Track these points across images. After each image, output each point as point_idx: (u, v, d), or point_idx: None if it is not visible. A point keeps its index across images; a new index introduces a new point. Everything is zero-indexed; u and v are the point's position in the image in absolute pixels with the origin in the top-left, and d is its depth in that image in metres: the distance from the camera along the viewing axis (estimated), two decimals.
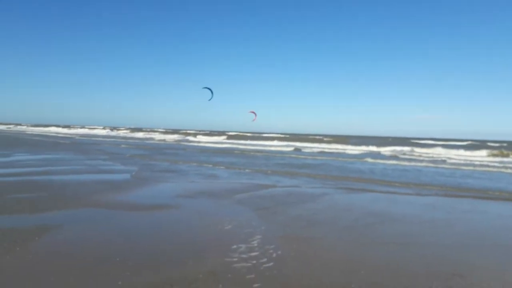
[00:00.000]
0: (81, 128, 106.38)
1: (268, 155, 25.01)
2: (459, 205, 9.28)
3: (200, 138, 60.78)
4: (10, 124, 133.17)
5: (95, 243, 5.20)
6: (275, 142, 47.77)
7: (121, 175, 12.28)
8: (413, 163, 21.42)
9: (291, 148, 34.77)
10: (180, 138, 57.93)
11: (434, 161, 23.18)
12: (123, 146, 31.52)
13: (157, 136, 64.96)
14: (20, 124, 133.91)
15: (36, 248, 4.83)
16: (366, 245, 5.57)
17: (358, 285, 4.08)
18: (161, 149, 29.05)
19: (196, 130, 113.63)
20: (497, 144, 56.00)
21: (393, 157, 26.41)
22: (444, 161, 23.36)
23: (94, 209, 7.24)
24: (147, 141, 44.40)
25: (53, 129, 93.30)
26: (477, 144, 55.32)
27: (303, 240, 5.67)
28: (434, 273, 4.52)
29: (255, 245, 5.32)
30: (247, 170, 15.09)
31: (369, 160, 23.04)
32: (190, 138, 60.57)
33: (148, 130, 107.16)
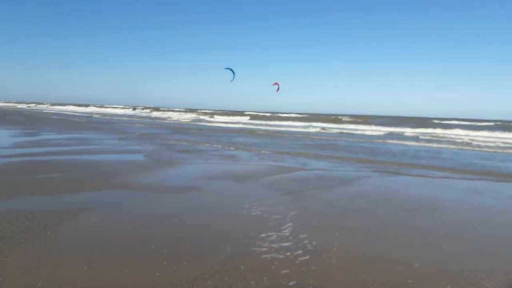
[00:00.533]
0: (101, 107, 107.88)
1: (290, 136, 24.61)
2: (506, 190, 8.76)
3: (219, 118, 60.69)
4: (31, 103, 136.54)
5: (127, 228, 5.07)
6: (296, 123, 47.16)
7: (141, 156, 12.20)
8: (444, 145, 20.61)
9: (315, 129, 34.16)
10: (197, 118, 58.05)
11: (465, 143, 22.25)
12: (141, 125, 31.72)
13: (176, 116, 65.29)
14: (41, 103, 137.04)
15: (68, 233, 4.73)
16: (412, 237, 5.23)
17: (412, 283, 3.77)
18: (180, 129, 29.07)
19: (214, 110, 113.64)
20: None
21: (417, 138, 25.55)
22: (470, 143, 22.39)
23: (121, 191, 7.15)
24: (165, 121, 44.63)
25: (71, 107, 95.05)
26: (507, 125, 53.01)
27: (340, 230, 5.34)
28: (494, 271, 4.14)
29: (287, 234, 5.02)
30: (270, 152, 14.80)
31: (394, 141, 22.35)
32: (207, 118, 60.58)
33: (166, 109, 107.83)
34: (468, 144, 21.93)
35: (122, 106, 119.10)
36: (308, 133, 28.76)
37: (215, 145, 16.52)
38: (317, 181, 8.98)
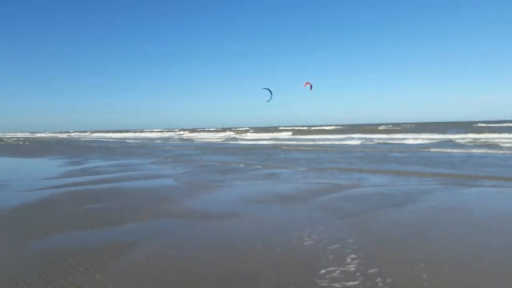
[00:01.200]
0: (140, 132, 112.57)
1: (333, 150, 23.76)
2: None
3: (252, 135, 60.70)
4: (68, 132, 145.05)
5: (178, 265, 4.64)
6: (332, 136, 46.03)
7: (175, 180, 11.91)
8: (503, 151, 18.95)
9: (356, 141, 32.97)
10: (231, 136, 58.34)
11: None
12: (175, 148, 32.07)
13: (209, 135, 66.09)
14: (84, 131, 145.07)
15: (117, 273, 4.37)
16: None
17: None
18: (214, 149, 29.04)
19: (247, 127, 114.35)
20: None
21: (470, 144, 23.77)
22: None
23: (166, 221, 6.81)
24: (199, 141, 45.07)
25: (109, 134, 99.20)
26: None
27: (414, 261, 4.54)
28: None
29: (352, 269, 4.32)
30: (315, 168, 14.13)
31: (447, 150, 20.89)
32: (241, 135, 60.73)
33: (200, 130, 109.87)
34: None
35: (159, 130, 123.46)
36: (350, 146, 27.69)
37: (253, 164, 16.08)
38: (377, 200, 8.23)
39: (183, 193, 9.50)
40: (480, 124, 65.56)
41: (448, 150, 20.85)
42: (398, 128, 66.42)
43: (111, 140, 58.31)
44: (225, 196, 9.33)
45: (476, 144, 24.19)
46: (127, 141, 52.02)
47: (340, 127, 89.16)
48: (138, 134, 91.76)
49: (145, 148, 31.51)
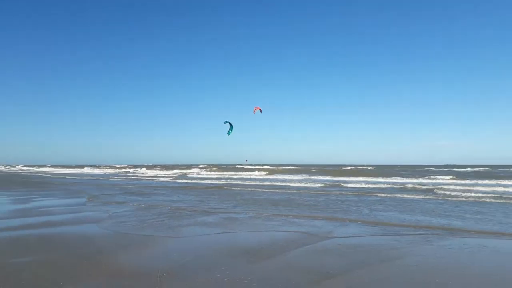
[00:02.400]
0: (93, 167, 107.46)
1: (297, 192, 22.99)
2: None
3: (207, 173, 59.00)
4: (34, 165, 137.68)
5: None
6: (294, 176, 45.70)
7: (109, 227, 10.38)
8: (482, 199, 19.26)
9: (316, 184, 32.63)
10: (181, 174, 56.19)
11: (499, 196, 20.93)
12: (116, 186, 29.80)
13: (159, 172, 63.40)
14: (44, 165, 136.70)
15: None
16: None
17: None
18: (163, 188, 27.22)
19: (202, 164, 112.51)
20: None
21: (436, 191, 24.20)
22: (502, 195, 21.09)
23: (103, 283, 5.38)
24: (144, 179, 42.66)
25: (58, 169, 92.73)
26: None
27: None
28: None
29: None
30: (282, 213, 13.13)
31: (419, 196, 20.94)
32: (193, 172, 58.79)
33: (153, 166, 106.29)
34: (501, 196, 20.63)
35: (117, 165, 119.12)
36: (313, 188, 27.16)
37: (206, 207, 14.74)
38: (356, 254, 7.33)
39: (112, 248, 7.90)
40: (433, 168, 69.11)
41: (420, 196, 20.87)
42: (357, 169, 68.18)
43: (50, 176, 53.95)
44: (169, 251, 7.81)
45: (442, 191, 24.62)
46: (67, 177, 48.27)
47: (298, 167, 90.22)
48: (85, 170, 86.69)
49: (82, 185, 28.94)
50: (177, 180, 39.31)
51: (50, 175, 54.97)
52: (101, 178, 45.94)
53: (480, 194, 20.07)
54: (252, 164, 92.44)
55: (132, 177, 47.34)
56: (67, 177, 48.72)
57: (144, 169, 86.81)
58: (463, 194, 20.32)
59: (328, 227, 10.40)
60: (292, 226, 10.50)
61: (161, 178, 44.53)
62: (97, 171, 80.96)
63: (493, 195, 19.48)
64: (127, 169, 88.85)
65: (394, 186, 28.07)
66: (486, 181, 32.16)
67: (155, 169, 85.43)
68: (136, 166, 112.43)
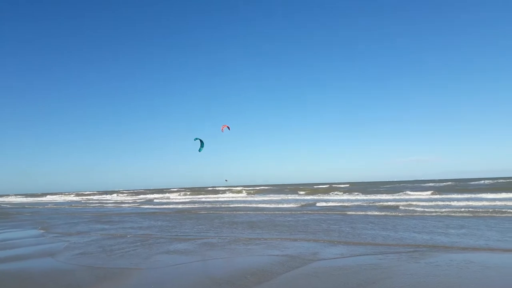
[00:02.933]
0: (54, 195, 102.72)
1: (273, 214, 22.64)
2: None
3: (176, 196, 57.67)
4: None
5: None
6: (269, 197, 45.41)
7: (67, 260, 9.69)
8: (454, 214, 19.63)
9: (290, 204, 32.47)
10: (145, 199, 54.58)
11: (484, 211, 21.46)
12: (74, 214, 28.39)
13: (124, 198, 61.32)
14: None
15: None
16: None
17: None
18: (125, 214, 26.15)
19: (173, 188, 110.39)
20: None
21: (409, 206, 24.60)
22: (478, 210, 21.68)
23: None
24: (107, 206, 41.02)
25: (19, 199, 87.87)
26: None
27: None
28: None
29: None
30: (259, 237, 12.76)
31: (398, 214, 21.12)
32: (160, 197, 57.28)
33: (116, 191, 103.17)
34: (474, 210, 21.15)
35: (84, 192, 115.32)
36: (289, 209, 26.92)
37: (184, 232, 14.15)
38: (346, 277, 7.10)
39: (71, 285, 7.26)
40: (408, 184, 70.91)
41: (400, 213, 21.07)
42: (332, 187, 68.88)
43: (8, 206, 50.92)
44: (142, 285, 7.27)
45: (418, 205, 25.03)
46: (26, 206, 45.70)
47: (272, 187, 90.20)
48: (47, 198, 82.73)
49: (41, 215, 27.36)
50: (147, 206, 38.01)
51: (8, 205, 51.88)
52: (63, 206, 43.80)
53: (455, 209, 20.50)
54: (232, 185, 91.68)
55: (98, 204, 45.40)
56: (26, 206, 46.15)
57: (114, 195, 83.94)
58: (442, 210, 20.67)
59: (313, 249, 10.15)
60: (275, 250, 10.17)
61: (130, 204, 42.96)
62: (59, 198, 77.45)
63: (470, 209, 19.92)
64: (93, 196, 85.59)
65: (372, 203, 28.31)
66: (465, 195, 33.14)
67: (123, 194, 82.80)
68: (105, 192, 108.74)
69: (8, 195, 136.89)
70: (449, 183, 74.23)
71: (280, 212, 23.12)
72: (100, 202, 53.35)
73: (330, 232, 13.19)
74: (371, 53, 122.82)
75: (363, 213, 20.66)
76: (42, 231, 16.66)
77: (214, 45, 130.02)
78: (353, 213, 20.84)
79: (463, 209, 20.01)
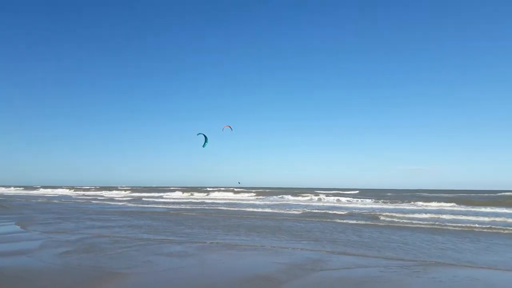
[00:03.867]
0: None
1: (264, 218, 22.43)
2: None
3: (171, 194, 57.59)
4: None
5: None
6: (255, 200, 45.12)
7: (50, 259, 9.48)
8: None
9: (297, 211, 32.28)
10: (139, 196, 54.45)
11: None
12: (64, 209, 28.23)
13: (117, 194, 61.22)
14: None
15: None
16: None
17: None
18: (118, 213, 25.97)
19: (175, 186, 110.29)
20: None
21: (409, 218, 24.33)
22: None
23: None
24: (97, 203, 40.83)
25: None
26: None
27: None
28: None
29: None
30: (256, 243, 12.57)
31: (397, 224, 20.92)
32: (153, 195, 57.17)
33: (110, 188, 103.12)
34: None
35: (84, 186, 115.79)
36: (294, 215, 26.71)
37: (167, 237, 13.93)
38: None
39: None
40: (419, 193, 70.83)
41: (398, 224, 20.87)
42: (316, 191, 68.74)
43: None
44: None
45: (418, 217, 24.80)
46: (17, 199, 45.60)
47: (269, 190, 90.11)
48: (40, 191, 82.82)
49: (25, 208, 27.20)
50: (133, 204, 37.76)
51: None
52: (54, 201, 43.64)
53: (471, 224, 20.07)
54: (244, 187, 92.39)
55: (95, 201, 45.17)
56: (17, 199, 46.04)
57: (114, 191, 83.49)
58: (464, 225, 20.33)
59: (317, 257, 10.14)
60: (279, 256, 10.14)
61: (128, 203, 42.80)
62: (51, 192, 77.34)
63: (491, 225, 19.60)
64: (88, 192, 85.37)
65: (379, 212, 28.08)
66: (485, 209, 30.50)
67: (125, 192, 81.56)
68: (104, 188, 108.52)
69: (9, 187, 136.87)
70: (452, 194, 74.07)
71: (284, 218, 22.92)
72: (96, 197, 53.24)
73: (335, 241, 13.01)
74: (378, 59, 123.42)
75: (370, 222, 20.44)
76: (20, 226, 16.35)
77: (217, 45, 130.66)
78: (359, 220, 20.64)
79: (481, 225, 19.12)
